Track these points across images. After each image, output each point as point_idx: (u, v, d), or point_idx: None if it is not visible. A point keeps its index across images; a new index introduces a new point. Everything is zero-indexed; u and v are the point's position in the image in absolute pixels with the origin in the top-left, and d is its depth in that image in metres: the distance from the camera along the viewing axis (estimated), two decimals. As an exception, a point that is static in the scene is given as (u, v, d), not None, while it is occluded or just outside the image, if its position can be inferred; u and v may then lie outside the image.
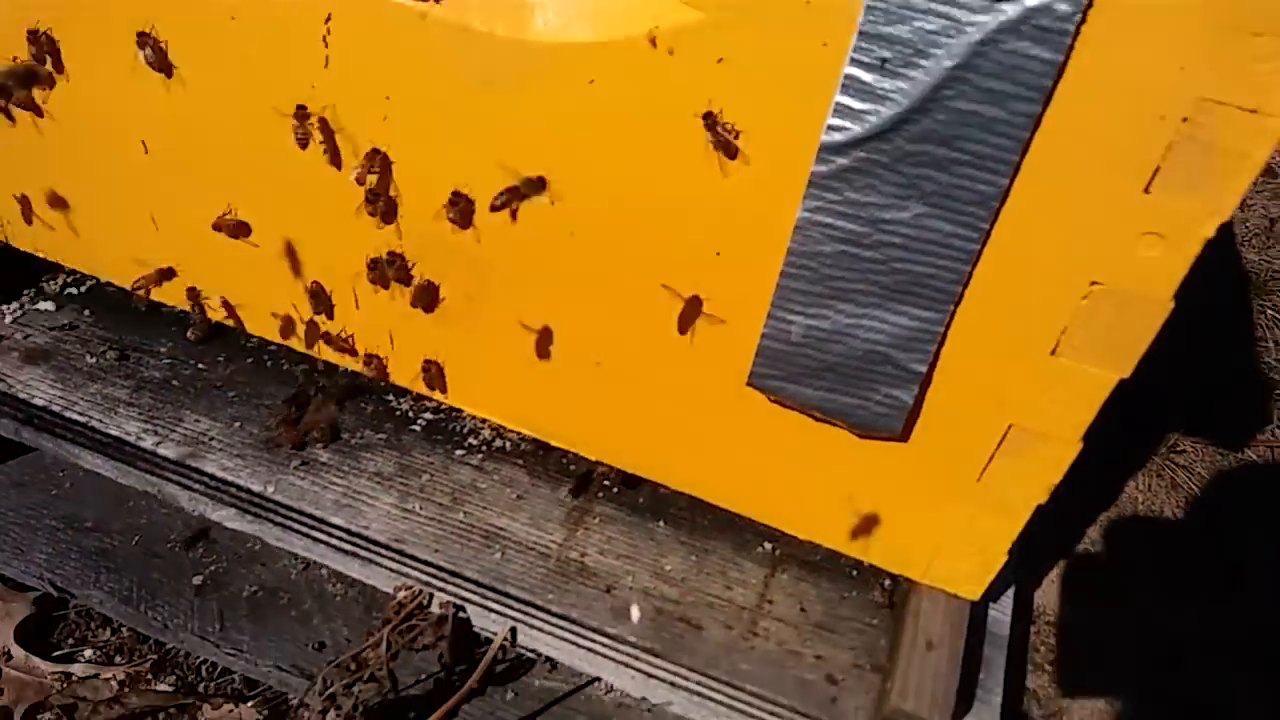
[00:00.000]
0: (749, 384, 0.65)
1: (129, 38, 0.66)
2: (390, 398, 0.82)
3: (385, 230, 0.69)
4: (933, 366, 0.61)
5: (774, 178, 0.57)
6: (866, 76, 0.52)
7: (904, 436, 0.65)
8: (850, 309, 0.59)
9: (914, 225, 0.55)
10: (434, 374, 0.74)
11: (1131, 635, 1.17)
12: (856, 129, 0.53)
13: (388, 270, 0.69)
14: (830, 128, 0.53)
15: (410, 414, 0.81)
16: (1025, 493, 0.66)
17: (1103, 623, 1.18)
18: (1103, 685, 1.12)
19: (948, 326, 0.59)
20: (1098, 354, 0.57)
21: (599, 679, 0.80)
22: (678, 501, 0.79)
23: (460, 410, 0.81)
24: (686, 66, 0.56)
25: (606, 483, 0.79)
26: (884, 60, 0.51)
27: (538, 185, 0.61)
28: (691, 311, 0.64)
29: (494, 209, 0.61)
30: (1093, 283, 0.54)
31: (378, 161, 0.64)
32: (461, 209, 0.64)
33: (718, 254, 0.62)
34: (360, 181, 0.65)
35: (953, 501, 0.68)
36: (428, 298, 0.70)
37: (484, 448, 0.79)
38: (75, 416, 0.75)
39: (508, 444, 0.80)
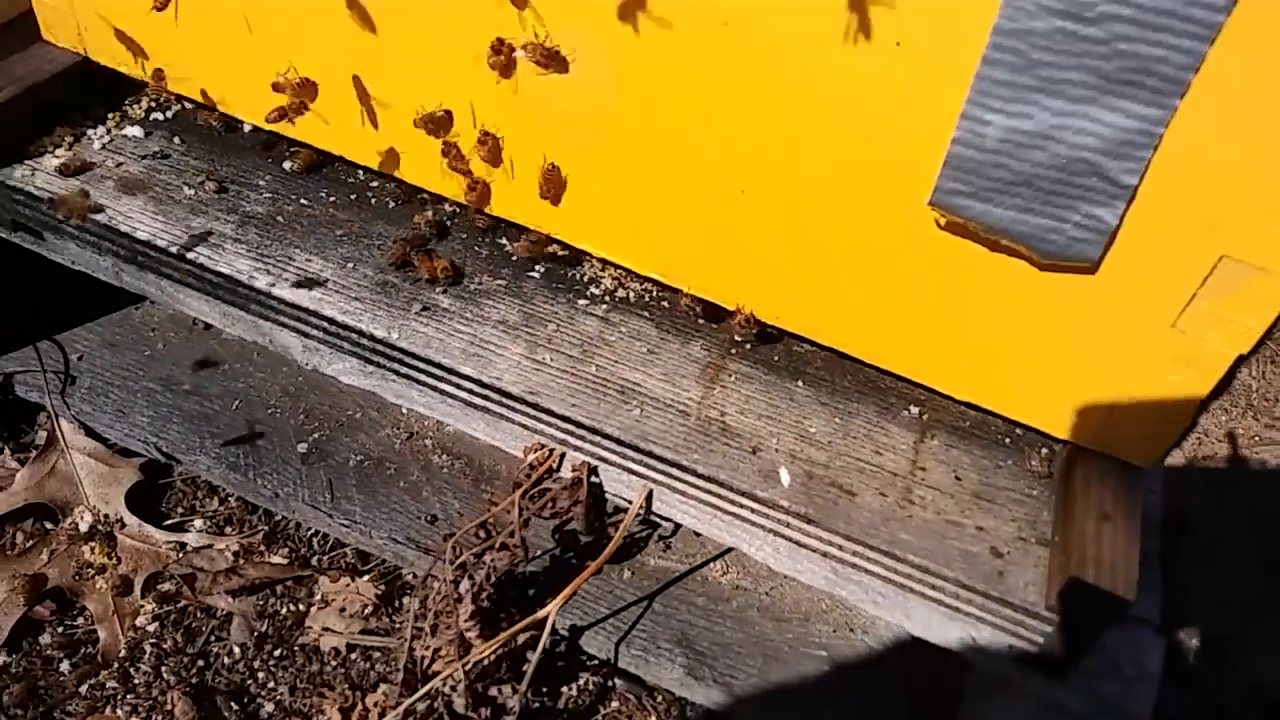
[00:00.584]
0: (931, 202, 0.58)
1: None
2: (504, 241, 0.77)
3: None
4: (1141, 182, 0.54)
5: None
6: None
7: (1094, 271, 0.58)
8: (1059, 104, 0.52)
9: None
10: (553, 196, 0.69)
11: (1250, 526, 1.12)
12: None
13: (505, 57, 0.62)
14: None
15: (527, 259, 0.76)
16: (1227, 340, 0.59)
17: (1223, 514, 1.13)
18: (1223, 580, 1.07)
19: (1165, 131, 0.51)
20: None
21: (722, 555, 0.77)
22: (814, 361, 0.74)
23: (580, 255, 0.76)
24: None
25: (738, 337, 0.73)
26: None
27: None
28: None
29: None
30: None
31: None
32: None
33: (897, 44, 0.55)
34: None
35: (1138, 351, 0.61)
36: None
37: (606, 298, 0.74)
38: (182, 252, 0.70)
39: (631, 294, 0.75)
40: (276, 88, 0.70)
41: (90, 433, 0.88)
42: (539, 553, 0.78)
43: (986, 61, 0.52)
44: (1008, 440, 0.72)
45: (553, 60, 0.61)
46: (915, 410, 0.72)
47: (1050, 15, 0.49)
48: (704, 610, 0.81)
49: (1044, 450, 0.71)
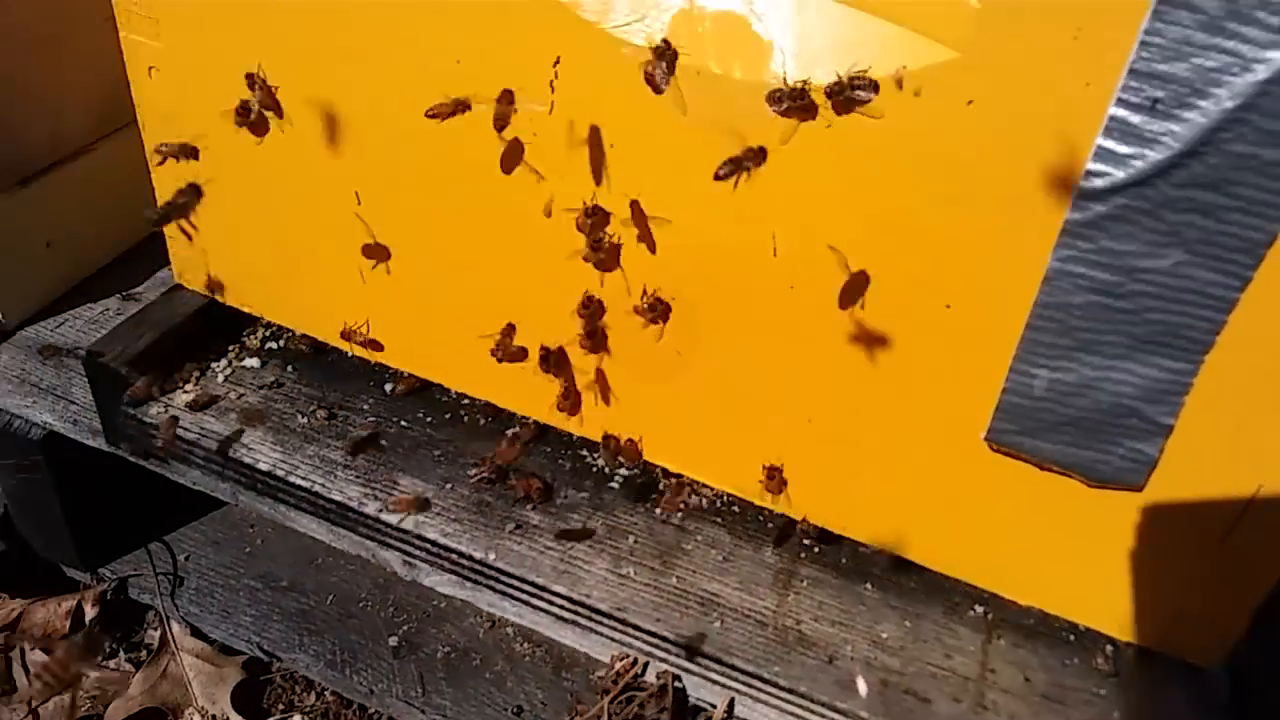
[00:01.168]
0: (986, 438, 0.63)
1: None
2: (585, 453, 0.83)
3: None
4: (1179, 420, 0.59)
5: (1023, 226, 0.56)
6: (1134, 118, 0.50)
7: (1142, 490, 0.63)
8: (1097, 361, 0.58)
9: (1172, 274, 0.54)
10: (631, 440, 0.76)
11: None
12: (1119, 174, 0.52)
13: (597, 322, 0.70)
14: (1090, 173, 0.52)
15: (606, 470, 0.82)
16: (1272, 557, 0.63)
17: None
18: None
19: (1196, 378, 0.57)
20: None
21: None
22: (878, 562, 0.78)
23: (655, 466, 0.82)
24: (933, 108, 0.55)
25: (806, 541, 0.78)
26: (1155, 100, 0.50)
27: (759, 155, 0.60)
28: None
29: (718, 178, 0.60)
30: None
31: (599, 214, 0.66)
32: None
33: (948, 307, 0.61)
34: (583, 230, 0.67)
35: (1193, 562, 0.65)
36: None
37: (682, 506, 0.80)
38: (299, 481, 0.78)
39: (704, 501, 0.81)
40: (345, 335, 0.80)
41: (196, 632, 0.94)
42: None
43: (1031, 328, 0.58)
44: (1072, 637, 0.75)
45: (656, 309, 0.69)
46: (980, 609, 0.76)
47: (1085, 292, 0.56)
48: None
49: (1108, 647, 0.74)
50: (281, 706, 0.93)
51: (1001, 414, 0.62)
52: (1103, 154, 0.52)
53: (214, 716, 0.89)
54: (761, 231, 0.64)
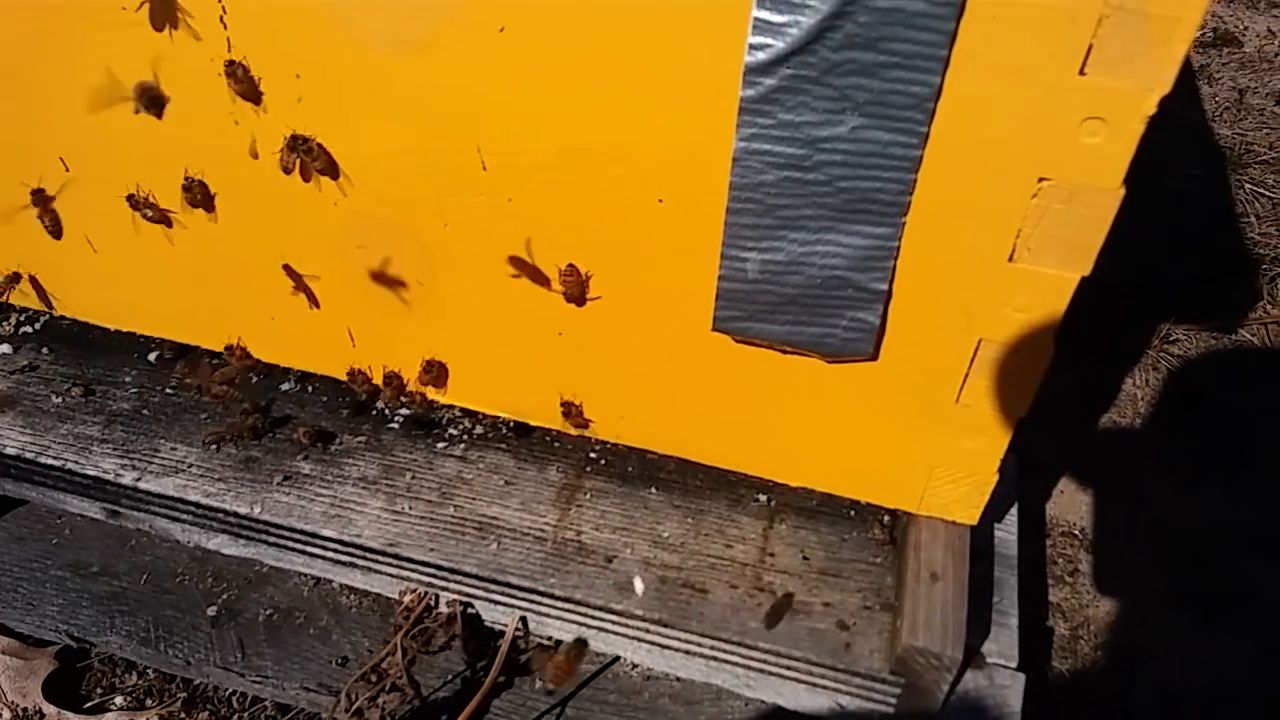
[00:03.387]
0: (714, 329, 0.64)
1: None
2: (363, 397, 0.82)
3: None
4: (893, 284, 0.60)
5: (705, 113, 0.56)
6: (780, -16, 0.50)
7: (875, 358, 0.64)
8: (802, 236, 0.58)
9: (852, 139, 0.54)
10: (398, 376, 0.75)
11: (1148, 534, 1.17)
12: (779, 44, 0.52)
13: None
14: (752, 47, 0.52)
15: (386, 412, 0.80)
16: (1006, 408, 0.65)
17: (1118, 525, 1.18)
18: (1125, 589, 1.12)
19: (901, 240, 0.58)
20: (1055, 254, 0.56)
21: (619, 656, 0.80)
22: (666, 465, 0.79)
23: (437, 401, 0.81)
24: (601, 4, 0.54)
25: (593, 454, 0.79)
26: (794, -37, 0.49)
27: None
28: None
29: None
30: (1040, 179, 0.53)
31: (299, 146, 0.63)
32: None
33: (660, 201, 0.61)
34: (287, 170, 0.64)
35: (935, 426, 0.67)
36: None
37: (465, 436, 0.79)
38: (50, 461, 0.75)
39: (488, 430, 0.80)
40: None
41: (3, 629, 0.91)
42: (439, 684, 0.81)
43: (731, 211, 0.58)
44: (852, 513, 0.77)
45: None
46: (764, 498, 0.77)
47: (775, 169, 0.56)
48: (617, 706, 0.84)
49: (885, 517, 0.76)
50: (100, 690, 0.91)
51: (723, 302, 0.62)
52: (760, 26, 0.52)
53: (25, 710, 0.87)
54: (466, 145, 0.62)
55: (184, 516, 0.73)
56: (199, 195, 0.68)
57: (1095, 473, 1.24)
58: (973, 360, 0.63)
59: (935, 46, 0.50)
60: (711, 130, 0.57)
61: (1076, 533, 1.16)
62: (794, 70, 0.53)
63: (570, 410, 0.73)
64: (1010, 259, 0.57)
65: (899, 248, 0.59)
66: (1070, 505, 1.20)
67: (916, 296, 0.61)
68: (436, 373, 0.73)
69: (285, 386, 0.82)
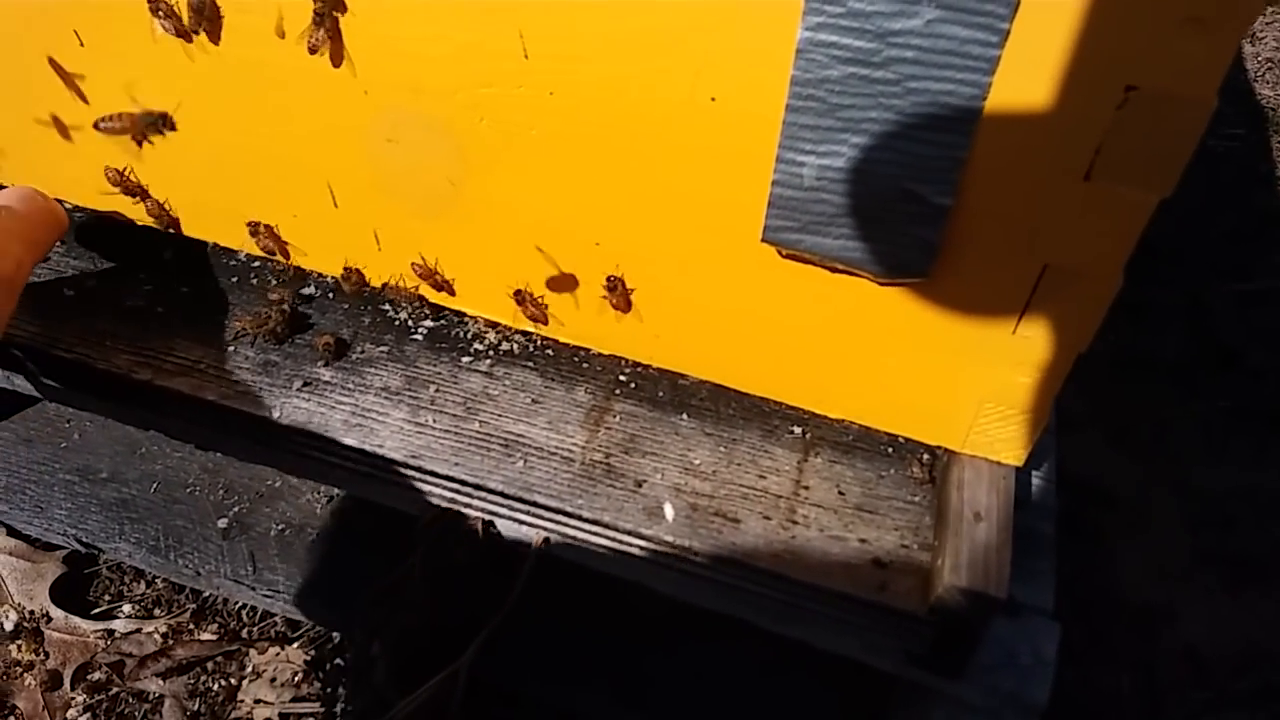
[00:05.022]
0: (763, 239, 0.60)
1: None
2: (386, 306, 0.78)
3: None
4: (958, 201, 0.56)
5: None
6: None
7: (932, 282, 0.61)
8: (864, 141, 0.54)
9: (926, 34, 0.50)
10: (426, 273, 0.72)
11: (1176, 495, 1.14)
12: (857, -77, 0.48)
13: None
14: (827, -74, 0.48)
15: (410, 323, 0.77)
16: (1066, 341, 0.62)
17: (1146, 485, 1.15)
18: (1151, 548, 1.10)
19: (970, 152, 0.54)
20: (1137, 172, 0.52)
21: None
22: (698, 392, 0.76)
23: (462, 315, 0.78)
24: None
25: (623, 378, 0.75)
26: None
27: None
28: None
29: None
30: (1128, 88, 0.49)
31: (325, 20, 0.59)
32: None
33: (712, 99, 0.57)
34: (313, 49, 0.61)
35: (989, 358, 0.64)
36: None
37: (491, 352, 0.76)
38: (64, 354, 0.72)
39: (515, 346, 0.77)
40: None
41: (11, 531, 0.89)
42: (455, 602, 0.79)
43: (791, 110, 0.54)
44: (890, 450, 0.74)
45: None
46: (799, 430, 0.74)
47: (841, 64, 0.52)
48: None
49: (925, 456, 0.73)
50: (109, 597, 0.90)
51: (775, 210, 0.59)
52: (839, -97, 0.47)
53: (31, 612, 0.85)
54: (508, 31, 0.58)
55: (200, 418, 0.70)
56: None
57: (1125, 431, 1.21)
58: (1035, 287, 0.60)
59: (1030, -65, 0.46)
60: (775, 18, 0.52)
61: (1104, 491, 1.14)
62: (872, -47, 0.49)
63: (524, 299, 0.71)
64: (1086, 177, 0.53)
65: (967, 159, 0.55)
66: (1099, 463, 1.18)
67: (980, 214, 0.57)
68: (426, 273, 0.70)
69: (306, 291, 0.79)
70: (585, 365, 0.77)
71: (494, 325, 0.77)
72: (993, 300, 0.61)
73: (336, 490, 0.91)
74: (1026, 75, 0.50)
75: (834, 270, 0.63)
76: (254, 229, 0.75)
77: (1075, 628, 1.01)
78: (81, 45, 0.70)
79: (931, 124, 0.53)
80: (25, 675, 0.83)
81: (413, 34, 0.60)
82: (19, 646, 0.84)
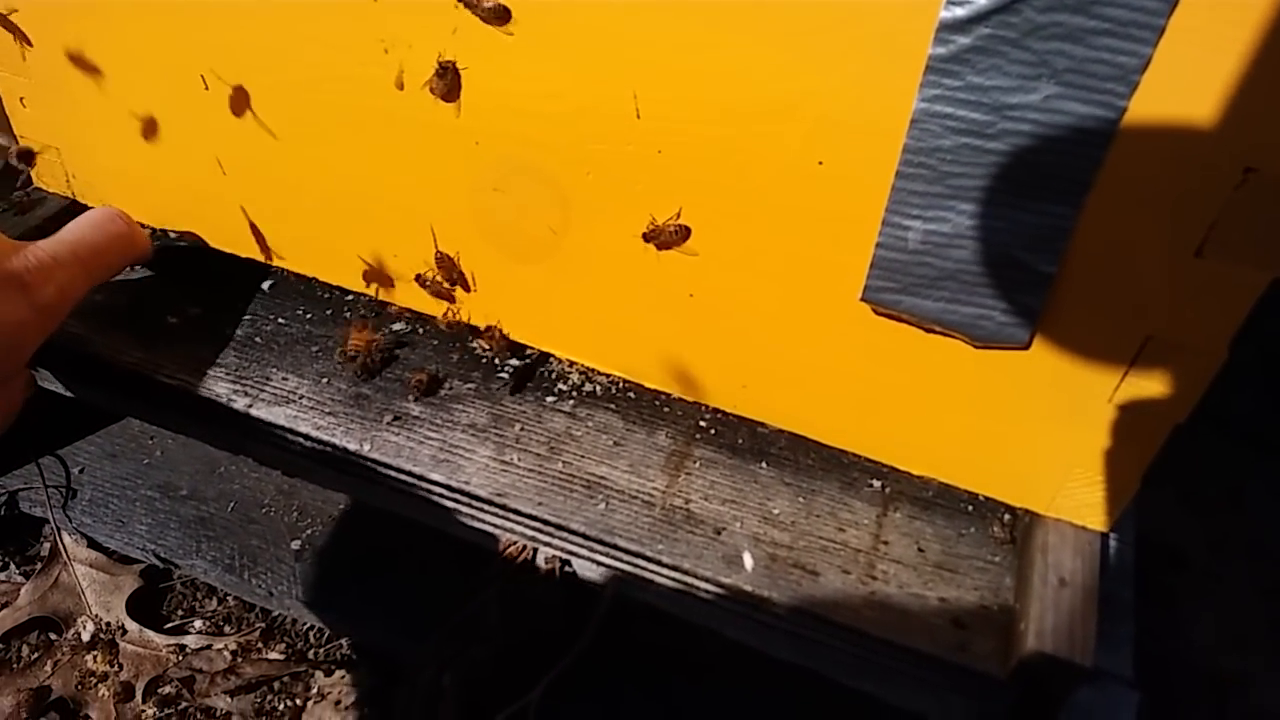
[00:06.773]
0: (863, 298, 0.61)
1: None
2: (474, 344, 0.80)
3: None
4: (1062, 270, 0.56)
5: (886, 70, 0.52)
6: (992, -60, 0.46)
7: (1028, 347, 0.61)
8: (972, 209, 0.55)
9: (1043, 109, 0.50)
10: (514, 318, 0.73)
11: (1248, 556, 1.12)
12: (981, 1, 0.48)
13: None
14: (950, 2, 0.49)
15: (496, 361, 0.78)
16: (1163, 412, 0.61)
17: (1218, 546, 1.13)
18: (1221, 611, 1.07)
19: (1078, 224, 0.54)
20: (1250, 250, 0.52)
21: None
22: (777, 441, 0.76)
23: (547, 355, 0.79)
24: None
25: (703, 423, 0.76)
26: (1011, -81, 0.46)
27: None
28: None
29: None
30: (1247, 170, 0.49)
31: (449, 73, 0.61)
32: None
33: (820, 163, 0.58)
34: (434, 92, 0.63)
35: (1082, 425, 0.63)
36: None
37: (574, 393, 0.77)
38: (165, 380, 0.74)
39: (598, 388, 0.78)
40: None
41: (92, 543, 0.92)
42: (526, 639, 0.80)
43: (901, 175, 0.55)
44: (970, 508, 0.73)
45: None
46: (878, 484, 0.74)
47: (955, 134, 0.52)
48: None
49: (1006, 516, 0.73)
50: (181, 612, 0.92)
51: (877, 271, 0.59)
52: (963, -21, 0.48)
53: (108, 624, 0.87)
54: (621, 93, 0.59)
55: (293, 447, 0.72)
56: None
57: (1196, 490, 1.18)
58: (1135, 358, 0.59)
59: (1154, 15, 0.46)
60: (889, 89, 0.53)
61: (1175, 551, 1.12)
62: (992, 30, 0.49)
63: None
64: (1198, 253, 0.53)
65: (1074, 229, 0.55)
66: (1170, 523, 1.15)
67: (1085, 284, 0.57)
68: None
69: (397, 327, 0.80)
70: (666, 409, 0.77)
71: (576, 365, 0.78)
72: (1091, 367, 0.60)
73: (410, 518, 0.92)
74: (1144, 151, 0.50)
75: (929, 331, 0.63)
76: (442, 260, 0.75)
77: (1146, 691, 0.99)
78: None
79: (1042, 195, 0.53)
80: (99, 686, 0.85)
81: (531, 91, 0.62)
82: (95, 657, 0.86)
